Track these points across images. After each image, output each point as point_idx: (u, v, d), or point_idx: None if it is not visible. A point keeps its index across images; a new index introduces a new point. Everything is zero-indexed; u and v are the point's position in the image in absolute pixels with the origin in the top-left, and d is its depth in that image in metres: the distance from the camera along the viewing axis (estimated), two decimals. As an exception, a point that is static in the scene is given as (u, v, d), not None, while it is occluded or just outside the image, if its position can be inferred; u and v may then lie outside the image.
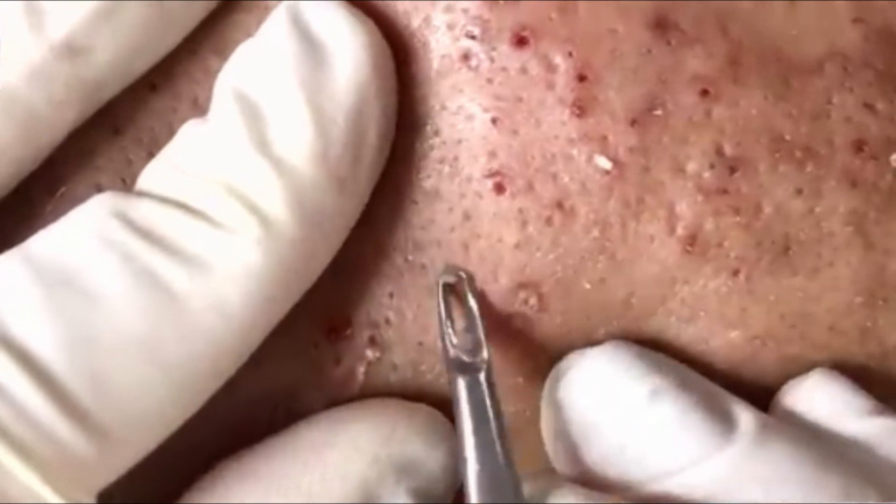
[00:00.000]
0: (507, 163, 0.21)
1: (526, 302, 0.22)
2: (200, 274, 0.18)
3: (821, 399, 0.22)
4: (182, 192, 0.18)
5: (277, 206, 0.18)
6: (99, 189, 0.20)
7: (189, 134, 0.19)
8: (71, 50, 0.19)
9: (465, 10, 0.21)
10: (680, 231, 0.21)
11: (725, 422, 0.20)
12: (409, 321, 0.22)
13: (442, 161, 0.22)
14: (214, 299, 0.18)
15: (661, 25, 0.21)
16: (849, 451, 0.21)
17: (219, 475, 0.20)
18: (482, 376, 0.20)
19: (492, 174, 0.21)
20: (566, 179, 0.21)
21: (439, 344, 0.21)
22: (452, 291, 0.21)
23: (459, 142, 0.21)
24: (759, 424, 0.20)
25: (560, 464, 0.21)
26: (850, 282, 0.22)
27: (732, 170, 0.21)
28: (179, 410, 0.18)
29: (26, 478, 0.17)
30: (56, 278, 0.17)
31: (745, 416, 0.20)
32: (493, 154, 0.21)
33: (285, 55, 0.19)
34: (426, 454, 0.20)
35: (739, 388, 0.22)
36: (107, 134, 0.21)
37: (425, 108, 0.21)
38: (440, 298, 0.21)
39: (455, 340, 0.20)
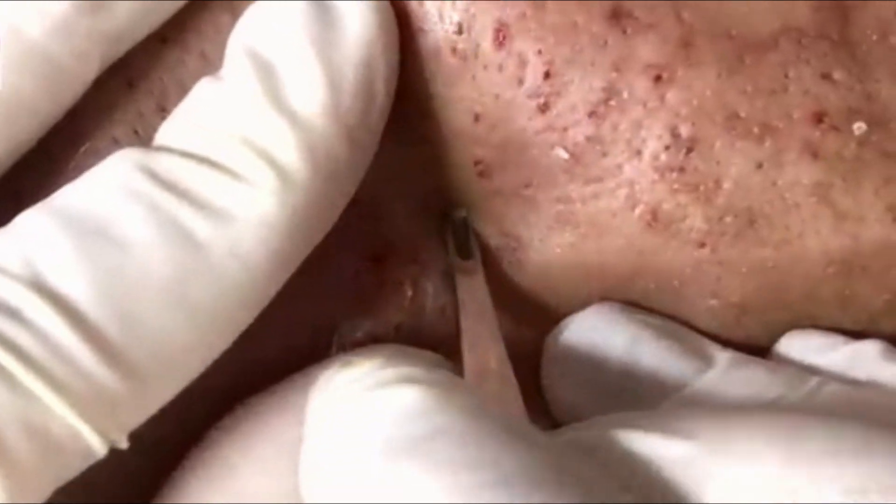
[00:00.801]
0: (488, 153, 0.23)
1: (509, 246, 0.24)
2: (222, 223, 0.18)
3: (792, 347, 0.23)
4: (201, 146, 0.19)
5: (292, 158, 0.19)
6: (115, 142, 0.21)
7: (204, 91, 0.20)
8: (93, 3, 0.19)
9: (453, 4, 0.22)
10: (640, 208, 0.22)
11: (702, 358, 0.22)
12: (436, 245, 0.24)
13: (440, 143, 0.23)
14: (235, 247, 0.18)
15: (617, 15, 0.22)
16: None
17: (245, 418, 0.21)
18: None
19: (476, 162, 0.23)
20: (532, 165, 0.23)
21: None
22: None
23: (454, 133, 0.23)
24: (734, 357, 0.22)
25: (559, 414, 0.23)
26: (820, 252, 0.22)
27: (689, 150, 0.22)
28: (204, 352, 0.19)
29: (66, 414, 0.17)
30: (85, 228, 0.18)
31: (721, 353, 0.22)
32: (477, 144, 0.23)
33: (296, 14, 0.20)
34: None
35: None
36: (122, 87, 0.21)
37: (427, 93, 0.22)
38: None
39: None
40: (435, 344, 0.23)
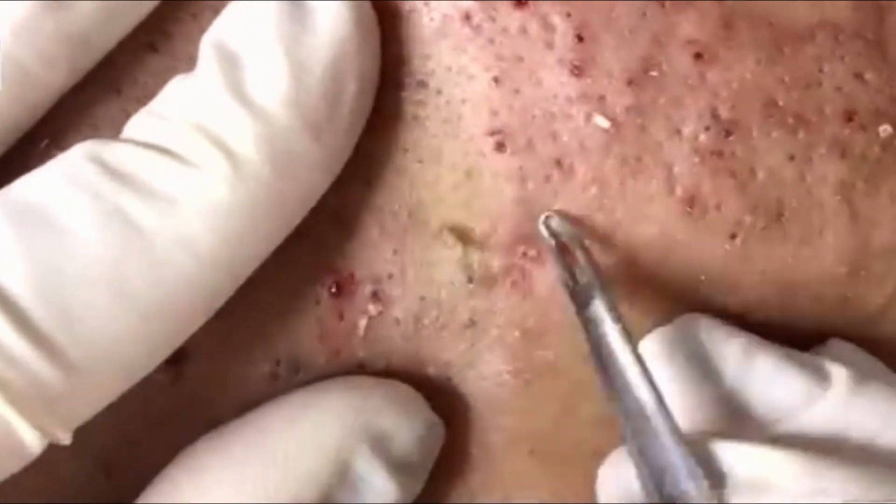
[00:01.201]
0: (509, 122, 0.21)
1: (525, 255, 0.21)
2: (168, 210, 0.18)
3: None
4: (158, 135, 0.18)
5: (247, 147, 0.18)
6: None
7: (172, 85, 0.19)
8: (54, 3, 0.18)
9: None
10: (679, 192, 0.21)
11: (819, 371, 0.20)
12: (411, 277, 0.21)
13: (446, 121, 0.21)
14: (181, 234, 0.18)
15: None
16: None
17: (198, 451, 0.20)
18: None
19: (493, 133, 0.21)
20: (565, 138, 0.21)
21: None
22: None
23: (463, 101, 0.21)
24: (850, 372, 0.20)
25: None
26: (835, 252, 0.22)
27: (728, 133, 0.21)
28: (150, 344, 0.18)
29: (2, 409, 0.17)
30: (27, 217, 0.17)
31: (834, 366, 0.21)
32: (494, 113, 0.21)
33: (267, 11, 0.19)
34: (399, 425, 0.20)
35: None
36: (109, 94, 0.20)
37: (428, 68, 0.21)
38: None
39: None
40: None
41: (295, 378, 0.21)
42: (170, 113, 0.19)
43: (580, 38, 0.21)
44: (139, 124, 0.19)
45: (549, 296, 0.21)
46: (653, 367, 0.20)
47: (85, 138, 0.19)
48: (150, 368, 0.18)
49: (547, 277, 0.21)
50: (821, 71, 0.21)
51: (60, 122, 0.20)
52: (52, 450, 0.18)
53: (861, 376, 0.20)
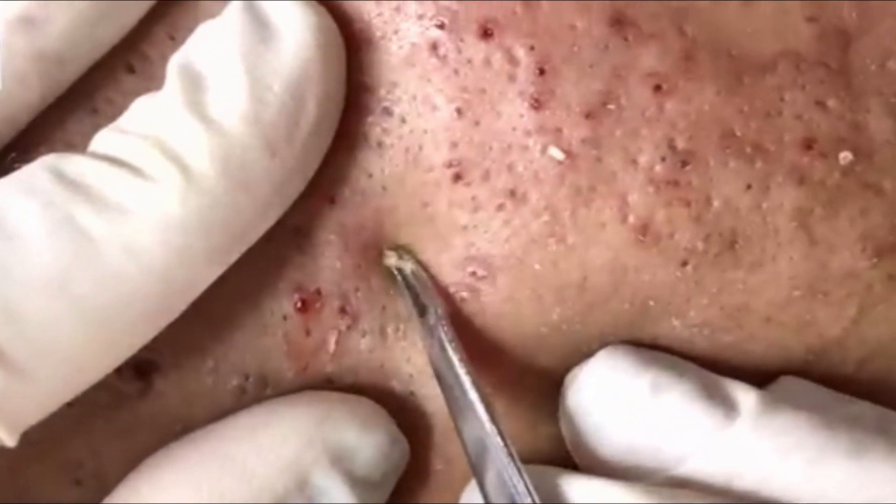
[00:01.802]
0: (467, 154, 0.21)
1: (474, 274, 0.22)
2: (118, 219, 0.18)
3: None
4: (117, 149, 0.19)
5: (201, 160, 0.18)
6: None
7: (137, 104, 0.20)
8: (26, 21, 0.19)
9: (435, 3, 0.21)
10: (632, 220, 0.21)
11: (726, 402, 0.21)
12: (375, 289, 0.22)
13: (408, 150, 0.22)
14: (130, 244, 0.18)
15: (619, 22, 0.21)
16: (852, 410, 0.22)
17: (159, 457, 0.20)
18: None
19: (451, 164, 0.21)
20: (520, 169, 0.21)
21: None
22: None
23: (425, 132, 0.21)
24: (760, 400, 0.21)
25: (585, 466, 0.21)
26: (788, 276, 0.22)
27: (684, 163, 0.21)
28: (98, 352, 0.18)
29: None
30: None
31: (745, 395, 0.21)
32: (454, 144, 0.21)
33: (232, 32, 0.19)
34: (362, 439, 0.20)
35: None
36: (84, 113, 0.21)
37: (395, 96, 0.21)
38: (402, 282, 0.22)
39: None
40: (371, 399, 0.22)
41: (263, 393, 0.21)
42: (130, 128, 0.19)
43: (541, 72, 0.21)
44: (101, 139, 0.19)
45: (500, 314, 0.22)
46: (569, 404, 0.21)
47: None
48: (100, 375, 0.19)
49: (497, 295, 0.22)
50: (781, 100, 0.22)
51: (35, 139, 0.20)
52: (22, 458, 0.18)
53: (771, 404, 0.20)
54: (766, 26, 0.22)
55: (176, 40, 0.21)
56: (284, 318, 0.22)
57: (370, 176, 0.22)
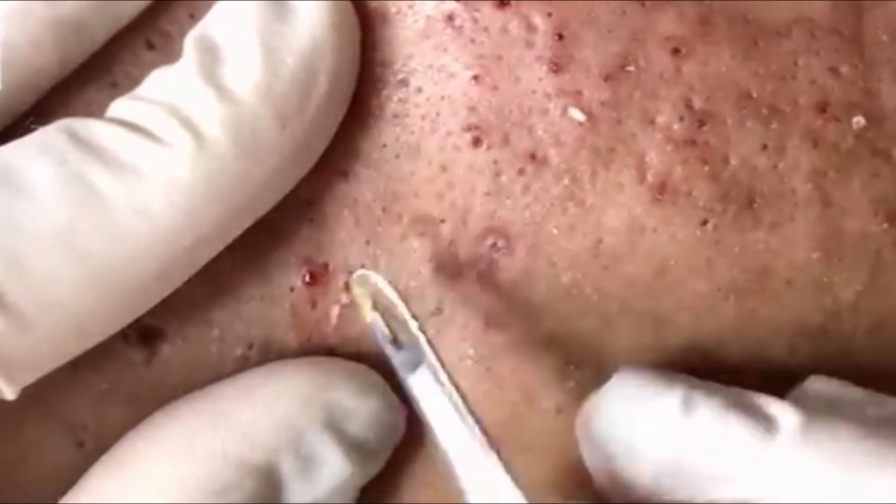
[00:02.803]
0: (486, 117, 0.21)
1: (494, 245, 0.22)
2: (128, 179, 0.18)
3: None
4: (132, 114, 0.19)
5: (213, 127, 0.19)
6: None
7: (154, 74, 0.20)
8: None
9: None
10: (650, 179, 0.21)
11: (762, 417, 0.19)
12: (382, 266, 0.22)
13: (424, 117, 0.22)
14: (139, 204, 0.18)
15: None
16: (887, 411, 0.20)
17: (156, 415, 0.20)
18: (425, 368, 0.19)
19: (470, 128, 0.21)
20: (540, 132, 0.21)
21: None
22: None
23: (442, 98, 0.21)
24: (801, 419, 0.19)
25: (609, 492, 0.20)
26: (807, 237, 0.22)
27: (701, 123, 0.21)
28: (100, 308, 0.18)
29: None
30: None
31: (782, 411, 0.19)
32: (472, 109, 0.21)
33: (249, 7, 0.20)
34: (357, 404, 0.20)
35: (698, 343, 0.22)
36: (105, 87, 0.21)
37: (410, 67, 0.21)
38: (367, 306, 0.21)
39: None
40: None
41: (267, 362, 0.21)
42: (146, 96, 0.19)
43: (560, 37, 0.21)
44: (117, 106, 0.19)
45: (513, 286, 0.22)
46: (594, 429, 0.20)
47: None
48: (102, 335, 0.19)
49: (514, 267, 0.22)
50: (796, 64, 0.22)
51: (55, 111, 0.21)
52: (23, 417, 0.19)
53: (811, 418, 0.19)
54: None
55: (195, 18, 0.21)
56: (291, 289, 0.22)
57: (384, 146, 0.22)
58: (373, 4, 0.21)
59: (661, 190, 0.21)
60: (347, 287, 0.22)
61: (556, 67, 0.21)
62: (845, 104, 0.22)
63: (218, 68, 0.19)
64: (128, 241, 0.18)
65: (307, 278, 0.22)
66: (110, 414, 0.21)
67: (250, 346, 0.22)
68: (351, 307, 0.22)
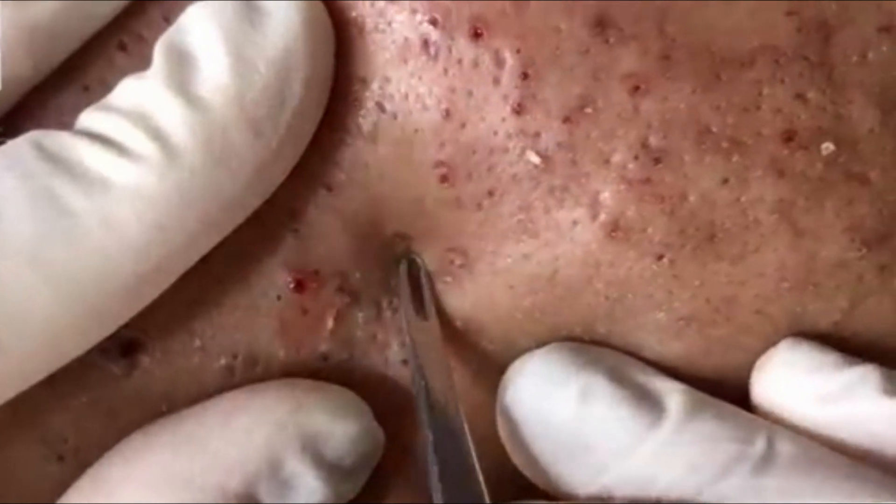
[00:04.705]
0: (454, 155, 0.21)
1: (453, 262, 0.22)
2: (97, 193, 0.18)
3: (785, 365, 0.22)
4: (99, 125, 0.18)
5: (183, 137, 0.18)
6: None
7: (124, 83, 0.19)
8: None
9: None
10: (603, 217, 0.21)
11: (654, 408, 0.20)
12: (374, 270, 0.23)
13: (399, 145, 0.22)
14: (108, 217, 0.18)
15: (602, 24, 0.21)
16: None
17: (133, 440, 0.20)
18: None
19: (439, 165, 0.22)
20: (499, 170, 0.21)
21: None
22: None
23: (416, 131, 0.22)
24: (687, 405, 0.20)
25: (519, 465, 0.21)
26: (775, 268, 0.21)
27: (657, 161, 0.21)
28: (71, 325, 0.18)
29: None
30: None
31: (675, 398, 0.20)
32: (442, 145, 0.21)
33: (220, 12, 0.19)
34: (333, 426, 0.20)
35: (667, 366, 0.22)
36: (76, 91, 0.21)
37: (387, 92, 0.21)
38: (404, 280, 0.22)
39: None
40: (365, 373, 0.22)
41: (252, 372, 0.21)
42: (115, 105, 0.19)
43: (525, 76, 0.21)
44: (86, 117, 0.19)
45: (478, 299, 0.22)
46: (504, 404, 0.21)
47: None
48: (76, 353, 0.18)
49: (474, 283, 0.22)
50: (760, 94, 0.21)
51: (26, 114, 0.20)
52: (2, 431, 0.18)
53: (695, 405, 0.20)
54: (746, 22, 0.21)
55: (169, 21, 0.20)
56: (278, 297, 0.21)
57: (367, 166, 0.22)
58: (352, 15, 0.21)
59: (615, 228, 0.21)
60: (341, 290, 0.22)
61: (519, 108, 0.21)
62: (813, 131, 0.21)
63: (188, 76, 0.18)
64: (97, 256, 0.18)
65: (293, 286, 0.22)
66: (90, 426, 0.20)
67: (234, 357, 0.21)
68: (345, 310, 0.22)
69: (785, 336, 0.22)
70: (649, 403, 0.20)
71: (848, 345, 0.22)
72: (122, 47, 0.21)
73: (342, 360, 0.22)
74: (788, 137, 0.21)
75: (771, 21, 0.21)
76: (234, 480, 0.19)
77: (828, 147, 0.21)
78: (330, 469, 0.20)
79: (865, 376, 0.21)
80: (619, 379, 0.21)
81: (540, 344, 0.22)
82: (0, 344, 0.17)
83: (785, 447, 0.20)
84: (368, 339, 0.23)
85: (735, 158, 0.21)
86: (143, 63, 0.20)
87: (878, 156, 0.21)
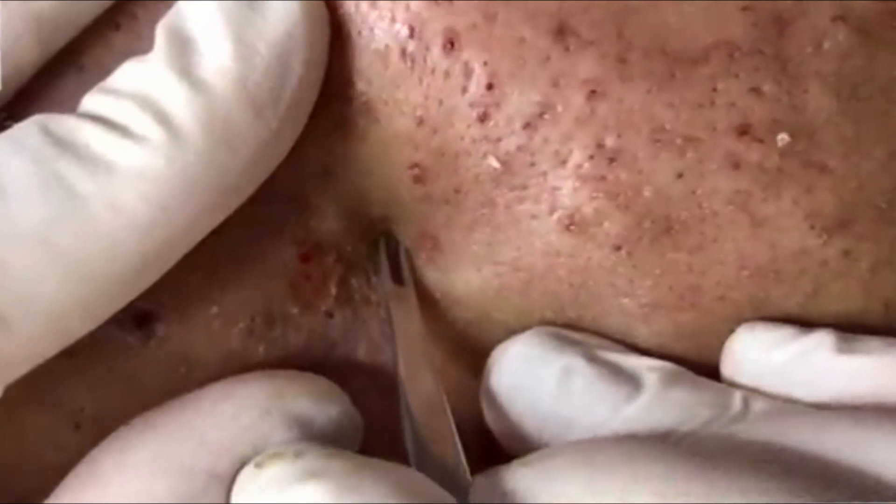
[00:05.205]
0: (426, 158, 0.22)
1: (425, 246, 0.24)
2: (103, 175, 0.18)
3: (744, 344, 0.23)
4: (104, 108, 0.19)
5: (187, 119, 0.18)
6: None
7: (125, 65, 0.19)
8: None
9: (407, 7, 0.22)
10: (559, 213, 0.22)
11: (631, 381, 0.21)
12: (361, 248, 0.24)
13: (380, 144, 0.23)
14: (115, 200, 0.18)
15: (562, 31, 0.21)
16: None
17: (124, 430, 0.20)
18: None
19: (413, 167, 0.23)
20: (463, 171, 0.22)
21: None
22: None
23: (395, 135, 0.23)
24: (664, 378, 0.21)
25: (505, 444, 0.22)
26: (735, 257, 0.22)
27: (612, 160, 0.22)
28: (80, 305, 0.18)
29: None
30: None
31: (652, 374, 0.21)
32: (416, 148, 0.22)
33: None
34: (317, 411, 0.20)
35: (640, 349, 0.23)
36: (71, 70, 0.21)
37: (371, 95, 0.22)
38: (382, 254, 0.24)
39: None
40: (367, 330, 0.24)
41: (271, 331, 0.22)
42: (118, 89, 0.19)
43: (490, 86, 0.22)
44: (90, 100, 0.19)
45: (451, 280, 0.24)
46: (489, 386, 0.22)
47: (45, 112, 0.19)
48: (85, 330, 0.18)
49: (445, 263, 0.24)
50: (714, 90, 0.21)
51: (23, 95, 0.20)
52: (20, 402, 0.19)
53: (670, 377, 0.21)
54: (700, 19, 0.21)
55: (164, 1, 0.20)
56: (286, 265, 0.22)
57: (356, 160, 0.23)
58: (341, 13, 0.22)
59: (571, 222, 0.22)
60: (338, 260, 0.23)
61: (483, 116, 0.22)
62: (768, 123, 0.21)
63: (191, 59, 0.19)
64: (104, 238, 0.18)
65: (299, 257, 0.23)
66: (107, 394, 0.21)
67: (253, 319, 0.22)
68: (345, 276, 0.24)
69: (751, 319, 0.22)
70: (626, 377, 0.21)
71: (816, 326, 0.22)
72: (116, 26, 0.21)
73: (344, 317, 0.24)
74: (743, 131, 0.21)
75: (726, 17, 0.21)
76: (222, 463, 0.19)
77: (783, 138, 0.21)
78: (319, 440, 0.20)
79: (821, 340, 0.21)
80: (597, 358, 0.22)
81: (514, 317, 0.24)
82: (9, 325, 0.17)
83: (759, 405, 0.21)
84: (364, 300, 0.24)
85: (689, 154, 0.21)
86: (138, 43, 0.20)
87: (836, 143, 0.21)
